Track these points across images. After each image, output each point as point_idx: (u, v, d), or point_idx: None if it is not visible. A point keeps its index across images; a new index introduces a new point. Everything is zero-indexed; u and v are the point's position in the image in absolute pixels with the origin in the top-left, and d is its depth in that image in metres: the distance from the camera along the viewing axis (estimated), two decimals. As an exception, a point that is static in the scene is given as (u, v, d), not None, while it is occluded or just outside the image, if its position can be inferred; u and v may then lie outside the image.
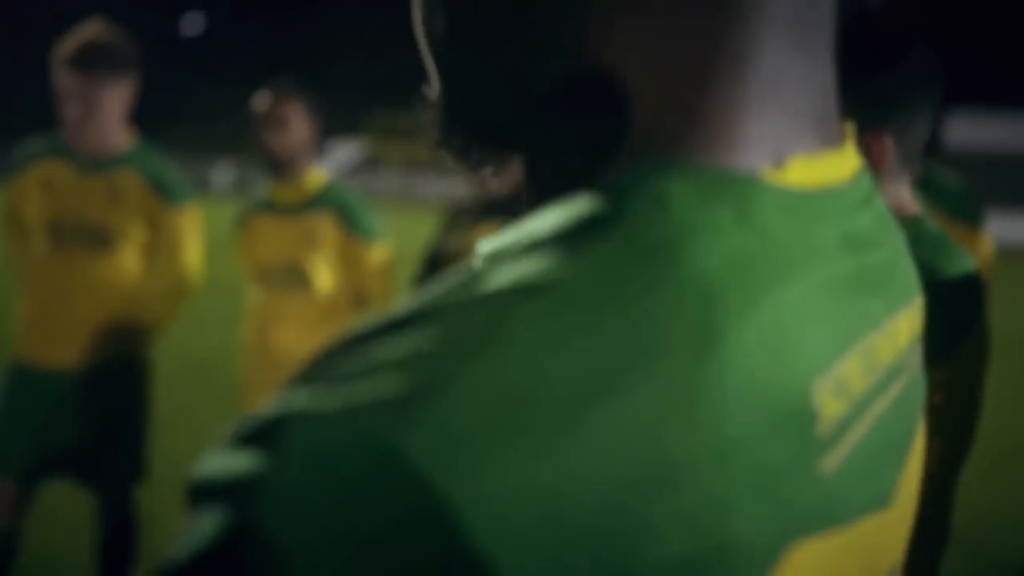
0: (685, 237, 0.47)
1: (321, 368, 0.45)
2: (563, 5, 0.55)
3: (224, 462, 0.44)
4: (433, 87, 0.65)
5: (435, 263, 4.47)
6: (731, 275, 0.47)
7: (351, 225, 4.39)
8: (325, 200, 4.40)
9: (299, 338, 4.31)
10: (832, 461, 0.49)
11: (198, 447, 7.15)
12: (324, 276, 4.35)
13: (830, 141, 0.57)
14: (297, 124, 4.31)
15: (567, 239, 0.47)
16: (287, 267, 4.34)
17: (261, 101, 4.33)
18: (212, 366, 10.12)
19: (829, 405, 0.49)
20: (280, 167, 4.36)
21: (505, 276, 0.46)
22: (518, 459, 0.40)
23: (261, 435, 0.43)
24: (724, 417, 0.44)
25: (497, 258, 0.51)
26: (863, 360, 0.53)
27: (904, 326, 0.60)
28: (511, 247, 0.49)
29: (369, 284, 4.43)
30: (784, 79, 0.54)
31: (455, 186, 31.50)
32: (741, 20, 0.53)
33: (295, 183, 4.40)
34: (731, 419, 0.44)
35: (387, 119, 34.61)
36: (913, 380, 0.62)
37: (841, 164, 0.57)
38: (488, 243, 0.61)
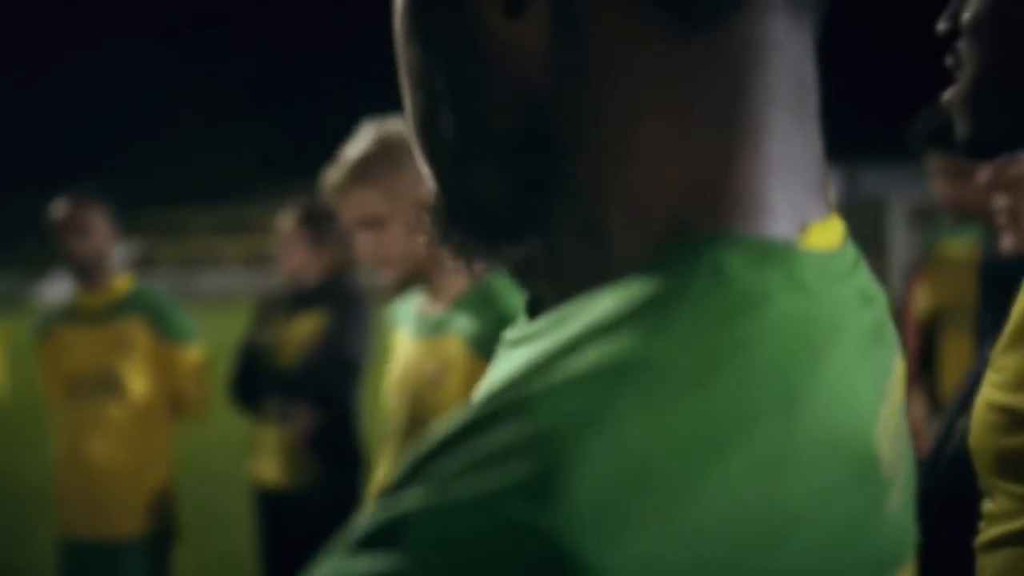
0: (749, 305, 0.51)
1: (424, 468, 0.47)
2: (586, 114, 0.58)
3: (346, 568, 0.45)
4: (431, 186, 0.66)
5: (251, 358, 4.40)
6: (796, 337, 0.51)
7: (162, 327, 4.30)
8: (134, 304, 4.30)
9: (115, 448, 4.17)
10: (894, 501, 0.54)
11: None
12: (138, 382, 4.24)
13: (829, 206, 0.63)
14: (98, 229, 4.22)
15: (643, 317, 0.50)
16: (98, 375, 4.20)
17: (58, 208, 4.22)
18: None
19: (884, 448, 0.54)
20: (85, 273, 4.25)
21: (593, 357, 0.49)
22: (650, 524, 0.43)
23: (382, 536, 0.45)
24: (815, 469, 0.48)
25: (538, 339, 0.55)
26: (890, 405, 0.59)
27: (900, 370, 0.65)
28: (580, 331, 0.51)
29: (184, 386, 4.33)
30: (794, 151, 0.59)
31: (231, 280, 30.87)
32: (753, 100, 0.57)
33: (102, 288, 4.29)
34: (820, 469, 0.48)
35: (158, 218, 33.74)
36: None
37: (837, 227, 0.62)
38: (517, 329, 0.64)
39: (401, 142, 2.51)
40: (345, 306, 4.39)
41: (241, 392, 4.41)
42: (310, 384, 4.28)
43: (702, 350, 0.49)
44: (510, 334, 0.65)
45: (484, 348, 2.46)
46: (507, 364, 0.61)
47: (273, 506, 4.33)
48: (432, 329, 2.57)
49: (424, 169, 0.66)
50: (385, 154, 2.50)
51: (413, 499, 0.45)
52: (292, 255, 4.38)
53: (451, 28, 0.61)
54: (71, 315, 4.31)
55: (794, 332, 0.51)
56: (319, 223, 4.40)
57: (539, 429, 0.46)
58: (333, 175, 2.54)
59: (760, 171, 0.57)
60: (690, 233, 0.56)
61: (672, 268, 0.53)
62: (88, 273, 4.25)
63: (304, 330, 4.37)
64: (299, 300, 4.40)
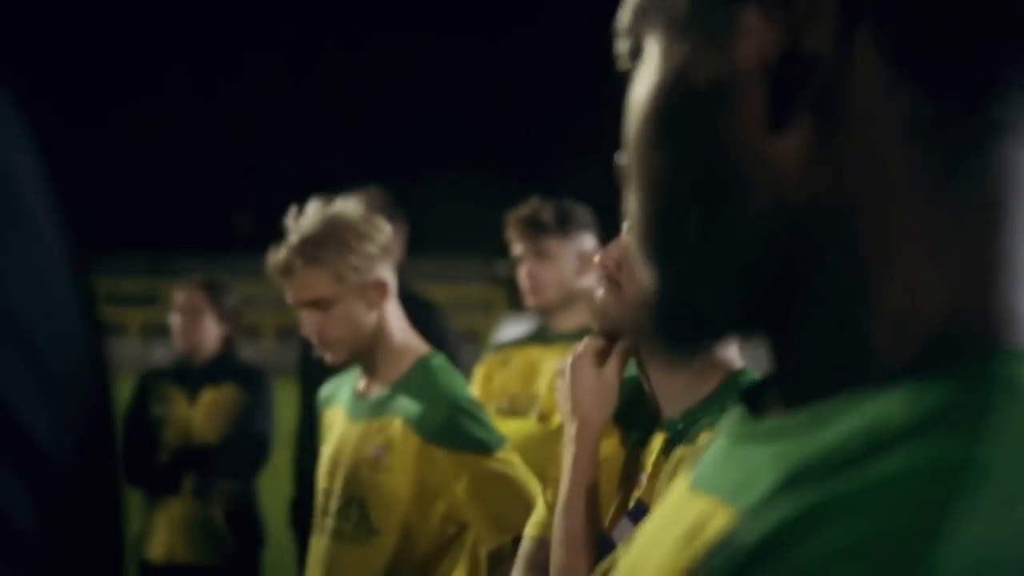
0: None
1: None
2: (847, 229, 0.60)
3: None
4: (649, 287, 0.66)
5: (142, 433, 4.30)
6: None
7: None
8: None
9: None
10: None
11: None
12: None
13: None
14: None
15: (949, 422, 0.52)
16: None
17: None
18: None
19: None
20: None
21: (908, 460, 0.51)
22: None
23: None
24: None
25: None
26: None
27: None
28: (870, 432, 0.53)
29: None
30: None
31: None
32: (1010, 223, 0.60)
33: None
34: None
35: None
36: None
37: None
38: (745, 422, 0.65)
39: (350, 223, 2.51)
40: (255, 382, 4.34)
41: (134, 467, 4.29)
42: (231, 459, 4.20)
43: (1020, 457, 0.51)
44: (739, 426, 0.66)
45: (426, 430, 2.45)
46: (753, 454, 0.61)
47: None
48: (372, 410, 2.55)
49: (645, 269, 0.66)
50: (334, 235, 2.49)
51: None
52: (196, 327, 4.30)
53: (708, 139, 0.62)
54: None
55: None
56: (221, 296, 4.35)
57: (878, 533, 0.48)
58: (280, 255, 2.52)
59: (1017, 288, 0.60)
60: (960, 343, 0.58)
61: (958, 377, 0.55)
62: None
63: (216, 404, 4.29)
64: (201, 374, 4.32)
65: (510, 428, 3.14)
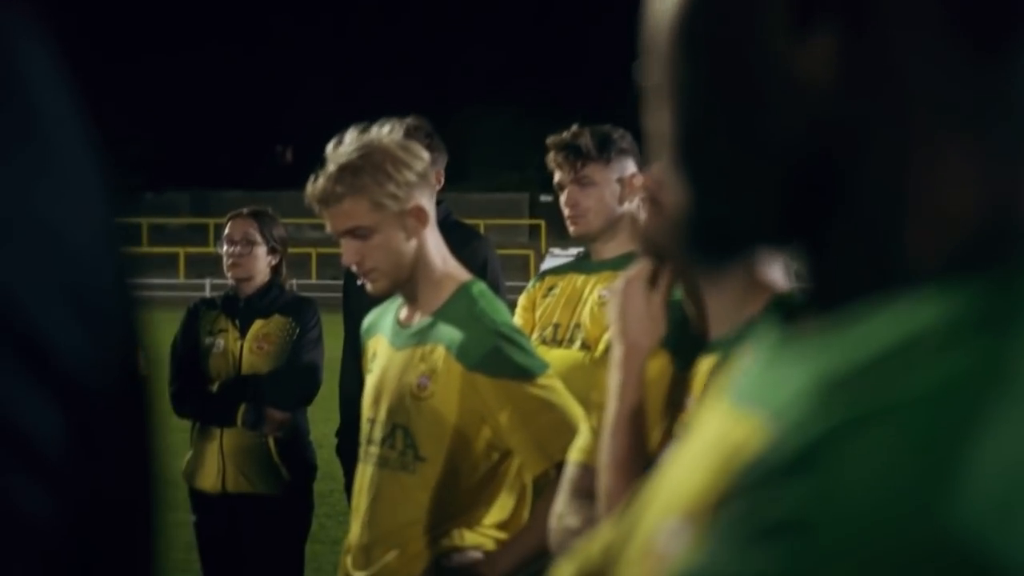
0: None
1: (790, 477, 0.50)
2: (881, 135, 0.59)
3: (741, 563, 0.49)
4: (680, 200, 0.66)
5: (193, 364, 4.33)
6: None
7: None
8: None
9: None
10: None
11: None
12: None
13: None
14: None
15: (980, 331, 0.52)
16: None
17: None
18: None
19: None
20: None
21: (937, 370, 0.51)
22: None
23: (780, 532, 0.49)
24: None
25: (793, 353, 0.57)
26: None
27: None
28: (901, 338, 0.53)
29: None
30: None
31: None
32: None
33: None
34: None
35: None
36: None
37: None
38: (777, 330, 0.65)
39: (387, 150, 2.49)
40: (304, 312, 4.35)
41: (184, 398, 4.33)
42: (281, 390, 4.23)
43: None
44: (776, 342, 0.66)
45: (469, 357, 2.46)
46: (788, 366, 0.61)
47: (222, 512, 4.26)
48: (414, 338, 2.56)
49: (677, 186, 0.66)
50: (371, 163, 2.47)
51: (807, 493, 0.49)
52: (248, 258, 4.31)
53: (733, 51, 0.61)
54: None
55: None
56: (270, 225, 4.35)
57: (910, 444, 0.49)
58: (318, 185, 2.51)
59: None
60: (992, 248, 0.58)
61: (989, 282, 0.55)
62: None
63: (265, 335, 4.31)
64: (250, 305, 4.34)
65: (554, 357, 3.13)
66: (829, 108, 0.60)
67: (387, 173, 2.47)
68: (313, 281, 24.03)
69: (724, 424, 0.66)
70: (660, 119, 0.66)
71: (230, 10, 43.93)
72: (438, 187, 4.05)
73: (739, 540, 0.50)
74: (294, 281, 23.43)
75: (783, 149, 0.61)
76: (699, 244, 0.66)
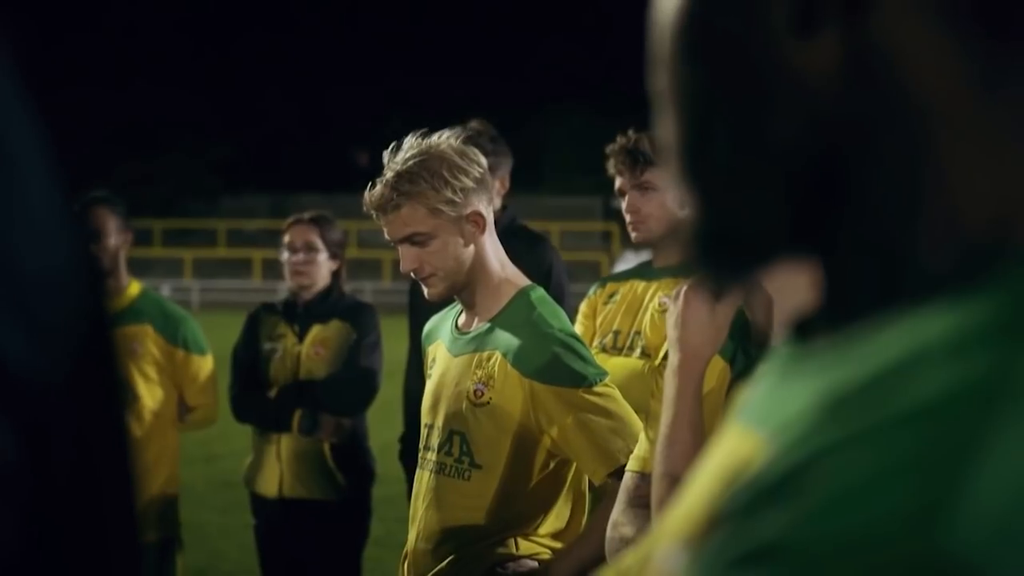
0: None
1: (782, 492, 0.48)
2: (889, 136, 0.57)
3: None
4: (685, 205, 0.65)
5: (253, 369, 4.35)
6: None
7: (171, 335, 4.27)
8: (143, 310, 4.27)
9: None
10: None
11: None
12: (146, 389, 4.21)
13: None
14: (110, 232, 4.20)
15: (989, 342, 0.50)
16: None
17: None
18: None
19: None
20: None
21: (944, 383, 0.48)
22: None
23: (756, 558, 0.47)
24: None
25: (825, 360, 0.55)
26: None
27: None
28: (911, 351, 0.50)
29: (193, 397, 4.31)
30: None
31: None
32: None
33: (112, 293, 4.25)
34: None
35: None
36: None
37: None
38: (790, 345, 0.62)
39: (444, 156, 2.48)
40: (363, 317, 4.35)
41: (244, 403, 4.35)
42: (338, 395, 4.23)
43: None
44: (783, 349, 0.64)
45: (526, 364, 2.45)
46: (793, 383, 0.59)
47: (281, 516, 4.27)
48: (472, 345, 2.55)
49: (682, 192, 0.64)
50: (428, 169, 2.46)
51: (786, 520, 0.47)
52: (312, 264, 4.29)
53: (737, 53, 0.60)
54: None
55: None
56: (330, 230, 4.34)
57: (917, 454, 0.46)
58: (376, 192, 2.51)
59: None
60: (1004, 253, 0.56)
61: (1000, 289, 0.53)
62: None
63: (323, 340, 4.30)
64: (309, 310, 4.33)
65: (614, 364, 3.10)
66: (835, 106, 0.58)
67: (444, 179, 2.46)
68: (388, 285, 24.23)
69: (732, 444, 0.64)
70: (667, 127, 0.64)
71: (307, 12, 44.51)
72: (503, 192, 4.05)
73: (719, 568, 0.49)
74: (367, 285, 23.69)
75: (789, 150, 0.59)
76: (710, 257, 0.64)
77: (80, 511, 0.55)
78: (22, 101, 0.55)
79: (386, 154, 2.52)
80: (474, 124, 3.94)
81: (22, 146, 0.55)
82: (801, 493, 0.48)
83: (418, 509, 2.56)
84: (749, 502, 0.50)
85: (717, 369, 1.95)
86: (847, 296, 0.60)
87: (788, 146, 0.59)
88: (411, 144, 2.50)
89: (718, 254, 0.64)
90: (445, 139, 2.52)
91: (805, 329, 0.65)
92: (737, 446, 0.62)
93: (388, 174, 2.48)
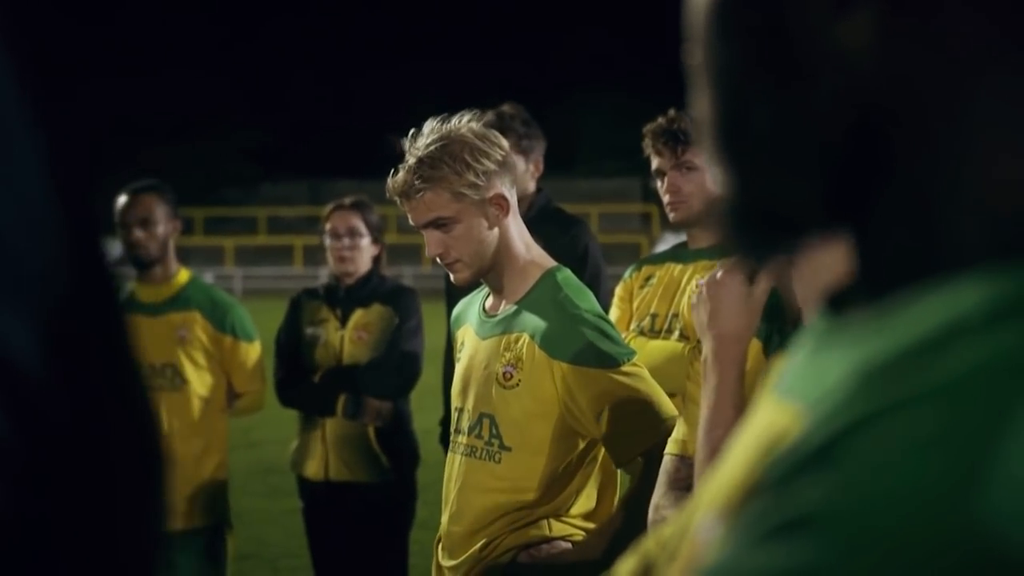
0: None
1: (820, 465, 0.50)
2: (927, 112, 0.57)
3: (755, 560, 0.49)
4: (721, 182, 0.65)
5: (296, 354, 4.38)
6: None
7: (219, 322, 4.31)
8: (191, 297, 4.32)
9: (173, 441, 4.18)
10: None
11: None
12: (196, 375, 4.26)
13: None
14: (161, 220, 4.24)
15: (1021, 315, 0.51)
16: (157, 368, 4.23)
17: (122, 199, 4.24)
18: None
19: None
20: (147, 265, 4.28)
21: (976, 356, 0.49)
22: None
23: (794, 528, 0.48)
24: None
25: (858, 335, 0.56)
26: None
27: None
28: (943, 325, 0.52)
29: (241, 383, 4.35)
30: None
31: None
32: None
33: (162, 281, 4.31)
34: None
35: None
36: None
37: None
38: (826, 319, 0.64)
39: (465, 140, 2.49)
40: (404, 301, 4.37)
41: (287, 388, 4.39)
42: (381, 379, 4.27)
43: None
44: (818, 322, 0.65)
45: (553, 346, 2.45)
46: (830, 355, 0.60)
47: (327, 499, 4.33)
48: (499, 327, 2.56)
49: (718, 169, 0.65)
50: (450, 154, 2.47)
51: (824, 490, 0.48)
52: (355, 249, 4.31)
53: (773, 27, 0.60)
54: (130, 306, 4.32)
55: None
56: (370, 215, 4.37)
57: (953, 424, 0.47)
58: (398, 178, 2.51)
59: None
60: None
61: None
62: (150, 265, 4.27)
63: (365, 324, 4.33)
64: (350, 295, 4.37)
65: (652, 348, 3.11)
66: (871, 79, 0.58)
67: (466, 163, 2.47)
68: (428, 271, 24.26)
69: (768, 416, 0.65)
70: (702, 104, 0.65)
71: (339, 12, 44.51)
72: (537, 175, 4.06)
73: (756, 537, 0.50)
74: (407, 270, 23.69)
75: (825, 124, 0.59)
76: (746, 232, 0.64)
77: (85, 498, 0.55)
78: (18, 96, 0.55)
79: (406, 140, 2.53)
80: (506, 107, 3.95)
81: (15, 135, 0.55)
82: (837, 464, 0.49)
83: (450, 492, 2.57)
84: (786, 473, 0.51)
85: (754, 351, 1.94)
86: (882, 268, 0.60)
87: (824, 119, 0.59)
88: (431, 129, 2.50)
89: (754, 230, 0.64)
90: (465, 123, 2.52)
91: (839, 302, 0.65)
92: (774, 418, 0.62)
93: (410, 160, 2.49)
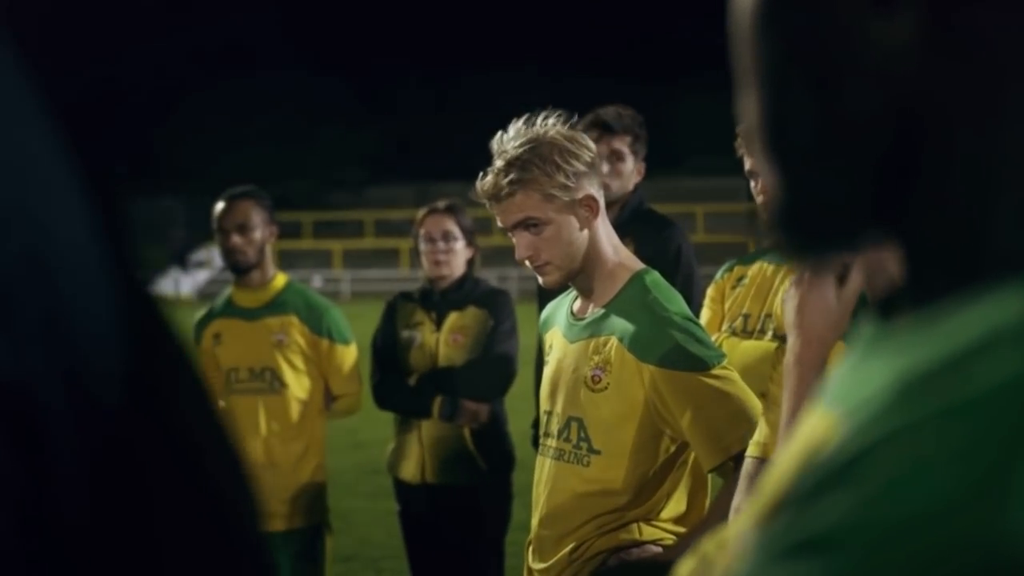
0: None
1: (845, 476, 0.49)
2: (971, 113, 0.57)
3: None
4: (772, 189, 0.65)
5: (393, 357, 4.42)
6: None
7: (316, 326, 4.37)
8: (289, 301, 4.38)
9: (272, 443, 4.25)
10: None
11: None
12: (294, 378, 4.32)
13: None
14: (258, 226, 4.31)
15: None
16: (256, 371, 4.30)
17: (220, 205, 4.32)
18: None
19: None
20: (244, 270, 4.34)
21: (1013, 368, 0.49)
22: None
23: (813, 545, 0.48)
24: None
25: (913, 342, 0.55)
26: None
27: None
28: (989, 334, 0.51)
29: (338, 385, 4.40)
30: None
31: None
32: None
33: (260, 285, 4.38)
34: None
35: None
36: None
37: None
38: (873, 326, 0.63)
39: (554, 142, 2.49)
40: (498, 304, 4.39)
41: (384, 390, 4.43)
42: (476, 381, 4.28)
43: None
44: (867, 329, 0.65)
45: (641, 349, 2.44)
46: (873, 363, 0.60)
47: (424, 501, 4.35)
48: (588, 330, 2.55)
49: (766, 169, 0.65)
50: (539, 155, 2.47)
51: (844, 508, 0.48)
52: (450, 253, 4.34)
53: (815, 27, 0.60)
54: (230, 310, 4.40)
55: None
56: (463, 218, 4.39)
57: (977, 439, 0.47)
58: (487, 180, 2.52)
59: None
60: None
61: None
62: (248, 270, 4.34)
63: (460, 327, 4.35)
64: (445, 298, 4.39)
65: (745, 348, 3.07)
66: (913, 80, 0.58)
67: (556, 164, 2.46)
68: (530, 272, 24.31)
69: (813, 424, 0.64)
70: (749, 105, 0.65)
71: (445, 19, 44.94)
72: (639, 179, 4.05)
73: (775, 554, 0.50)
74: (512, 272, 23.75)
75: (868, 125, 0.59)
76: (794, 233, 0.64)
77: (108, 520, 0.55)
78: (27, 108, 0.55)
79: (493, 143, 2.53)
80: (621, 108, 3.96)
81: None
82: (860, 480, 0.49)
83: (540, 495, 2.57)
84: (813, 487, 0.51)
85: (838, 353, 1.91)
86: (926, 274, 0.60)
87: (867, 121, 0.60)
88: (518, 131, 2.50)
89: (802, 230, 0.64)
90: (552, 125, 2.52)
91: (889, 308, 0.65)
92: (816, 426, 0.62)
93: (498, 162, 2.49)
